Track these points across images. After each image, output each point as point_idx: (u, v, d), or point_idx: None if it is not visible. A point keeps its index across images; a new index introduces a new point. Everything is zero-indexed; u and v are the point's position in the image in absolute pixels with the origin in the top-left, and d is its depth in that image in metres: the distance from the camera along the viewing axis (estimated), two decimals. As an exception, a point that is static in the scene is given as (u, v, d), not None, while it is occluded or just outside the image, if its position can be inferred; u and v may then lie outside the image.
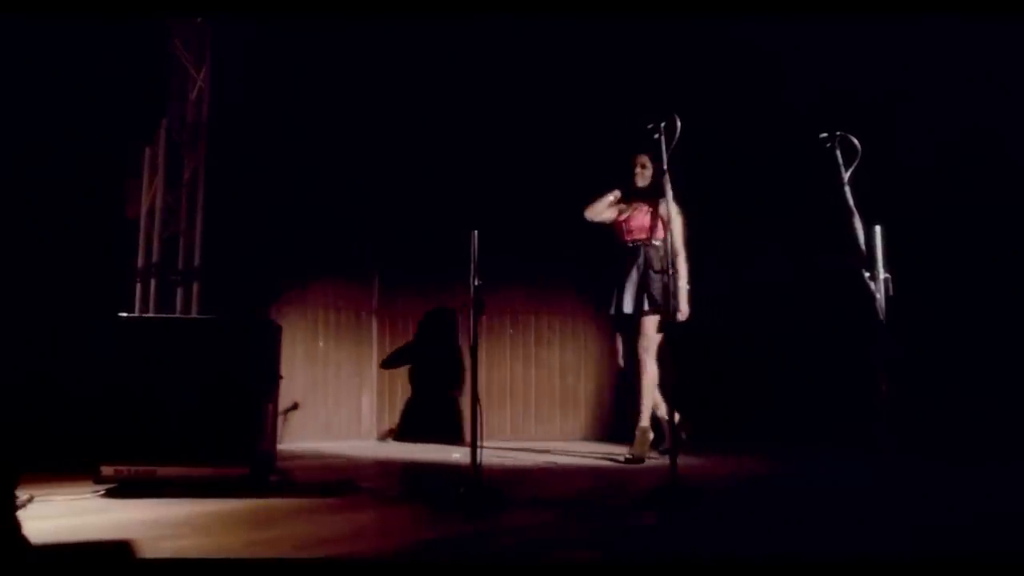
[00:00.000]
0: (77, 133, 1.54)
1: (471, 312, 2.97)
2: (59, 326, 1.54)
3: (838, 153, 3.32)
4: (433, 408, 5.96)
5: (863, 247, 3.22)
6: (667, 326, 4.22)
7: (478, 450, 2.84)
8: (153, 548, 1.97)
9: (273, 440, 3.29)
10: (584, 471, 3.98)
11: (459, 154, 5.62)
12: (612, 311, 4.33)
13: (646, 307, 4.20)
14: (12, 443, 1.44)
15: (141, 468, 2.90)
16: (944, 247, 4.67)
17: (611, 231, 4.48)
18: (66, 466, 2.91)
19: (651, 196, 4.34)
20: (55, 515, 2.45)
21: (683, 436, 4.21)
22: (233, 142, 4.89)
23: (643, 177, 4.39)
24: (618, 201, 4.43)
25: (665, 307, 4.14)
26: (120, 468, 2.89)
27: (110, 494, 2.84)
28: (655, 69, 5.38)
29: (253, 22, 4.88)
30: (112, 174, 1.59)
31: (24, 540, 1.48)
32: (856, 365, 4.01)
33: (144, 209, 4.60)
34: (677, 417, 4.25)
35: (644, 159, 4.39)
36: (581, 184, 4.62)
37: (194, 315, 4.51)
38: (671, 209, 4.33)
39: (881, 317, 3.13)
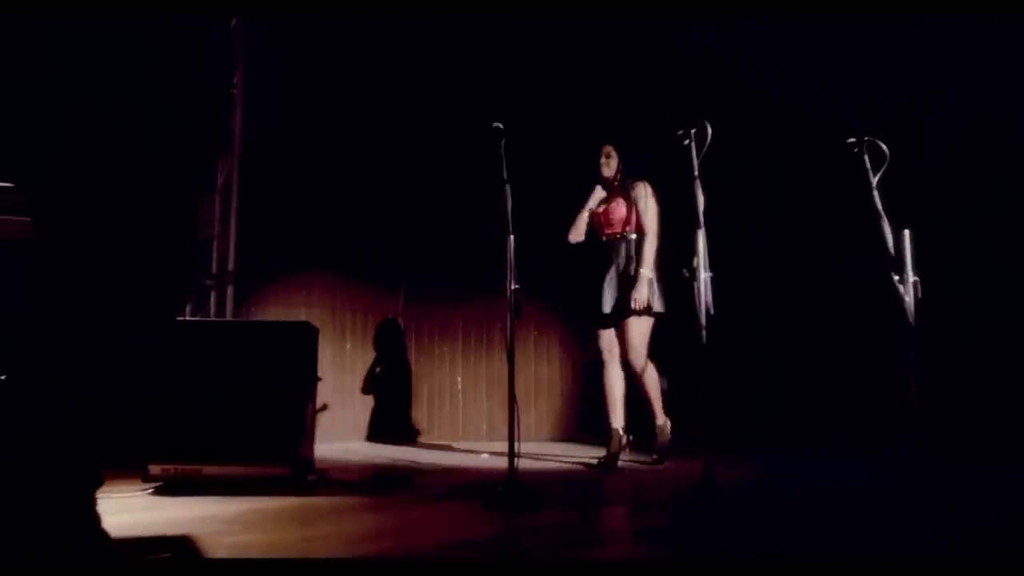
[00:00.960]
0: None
1: (508, 315, 3.03)
2: (129, 330, 1.61)
3: (866, 158, 3.37)
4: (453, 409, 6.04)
5: (891, 250, 3.27)
6: (658, 325, 4.10)
7: (514, 450, 2.90)
8: (212, 544, 2.04)
9: (311, 441, 3.37)
10: (612, 471, 4.03)
11: (487, 162, 5.69)
12: (590, 310, 4.15)
13: (630, 308, 4.02)
14: (96, 443, 1.52)
15: (187, 467, 2.98)
16: (967, 250, 4.69)
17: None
18: (115, 464, 3.00)
19: (619, 186, 4.22)
20: (109, 512, 2.47)
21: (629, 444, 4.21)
22: (266, 148, 4.99)
23: (608, 167, 4.25)
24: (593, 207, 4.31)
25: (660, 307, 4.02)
26: (167, 467, 2.97)
27: (158, 492, 2.93)
28: (683, 76, 5.44)
29: (286, 26, 4.98)
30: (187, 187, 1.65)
31: (106, 534, 1.56)
32: (881, 367, 4.04)
33: (179, 214, 4.71)
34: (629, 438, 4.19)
35: (609, 148, 4.27)
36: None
37: (228, 318, 4.61)
38: (647, 191, 4.14)
39: (910, 320, 3.18)
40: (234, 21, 4.82)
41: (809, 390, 5.15)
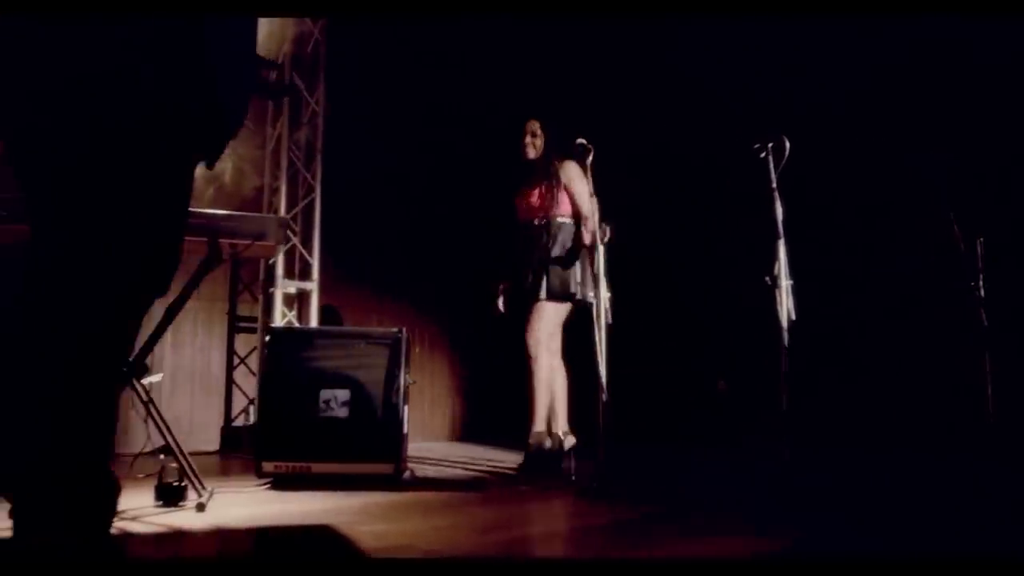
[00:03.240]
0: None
1: (596, 321, 3.21)
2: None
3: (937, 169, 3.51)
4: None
5: (965, 258, 3.40)
6: (576, 315, 3.83)
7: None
8: (352, 532, 2.23)
9: (407, 440, 3.57)
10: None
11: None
12: (516, 298, 3.92)
13: (543, 295, 3.77)
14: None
15: (298, 465, 3.20)
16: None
17: (512, 210, 4.05)
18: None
19: (545, 169, 3.87)
20: (240, 504, 2.75)
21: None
22: (346, 161, 5.23)
23: (534, 147, 3.86)
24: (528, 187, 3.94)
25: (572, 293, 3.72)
26: (279, 464, 3.19)
27: (274, 487, 3.14)
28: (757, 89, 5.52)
29: (365, 43, 5.19)
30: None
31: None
32: (955, 372, 4.11)
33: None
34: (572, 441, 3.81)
35: (535, 126, 3.89)
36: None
37: (314, 324, 4.85)
38: (578, 172, 3.71)
39: (986, 324, 3.31)
40: (315, 37, 5.05)
41: (884, 394, 5.17)
